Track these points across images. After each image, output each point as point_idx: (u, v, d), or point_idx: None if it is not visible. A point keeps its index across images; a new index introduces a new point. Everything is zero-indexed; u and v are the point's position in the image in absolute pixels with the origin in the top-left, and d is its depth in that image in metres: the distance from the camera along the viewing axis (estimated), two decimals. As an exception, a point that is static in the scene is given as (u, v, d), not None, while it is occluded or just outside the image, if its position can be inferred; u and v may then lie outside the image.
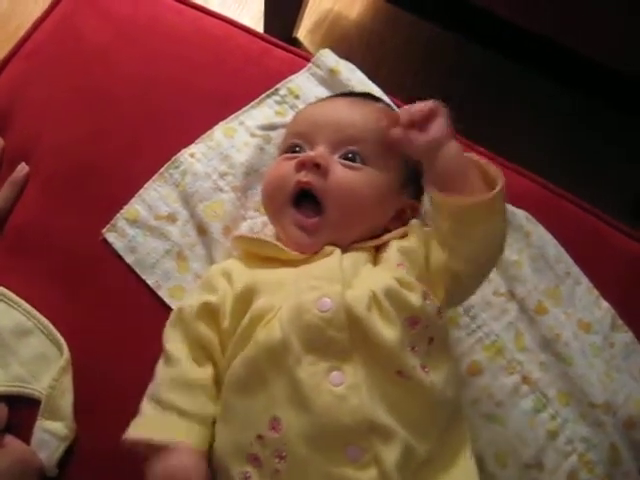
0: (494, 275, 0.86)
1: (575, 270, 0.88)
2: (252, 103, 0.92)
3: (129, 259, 0.83)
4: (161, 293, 0.82)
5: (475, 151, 0.95)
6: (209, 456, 0.66)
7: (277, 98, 0.94)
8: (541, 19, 1.22)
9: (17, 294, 0.80)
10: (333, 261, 0.70)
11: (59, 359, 0.77)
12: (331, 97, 0.88)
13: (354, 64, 0.99)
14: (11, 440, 0.72)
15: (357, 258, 0.72)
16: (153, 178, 0.86)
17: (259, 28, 1.61)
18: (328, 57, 0.97)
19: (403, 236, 0.75)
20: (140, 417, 0.66)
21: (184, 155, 0.87)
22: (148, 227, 0.84)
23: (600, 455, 0.78)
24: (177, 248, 0.84)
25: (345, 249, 0.73)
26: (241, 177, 0.86)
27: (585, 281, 0.88)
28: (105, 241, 0.84)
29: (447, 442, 0.66)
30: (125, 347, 0.79)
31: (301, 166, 0.73)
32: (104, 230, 0.84)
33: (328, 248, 0.72)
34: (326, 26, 1.70)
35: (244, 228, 0.85)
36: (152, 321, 0.77)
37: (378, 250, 0.75)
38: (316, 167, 0.72)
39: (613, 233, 0.92)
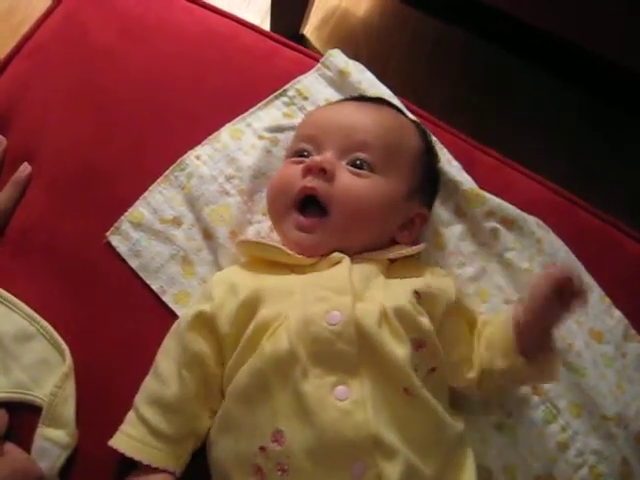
0: (505, 283, 0.85)
1: (587, 278, 0.86)
2: (259, 104, 0.91)
3: (133, 263, 0.81)
4: (166, 298, 0.80)
5: (487, 154, 0.94)
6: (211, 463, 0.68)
7: (285, 99, 0.92)
8: (546, 14, 1.20)
9: (19, 297, 0.78)
10: (342, 271, 0.69)
11: (61, 365, 0.76)
12: (342, 101, 0.87)
13: (361, 61, 0.97)
14: (11, 448, 0.70)
15: (368, 270, 0.71)
16: (158, 181, 0.85)
17: (265, 24, 1.60)
18: (337, 58, 0.95)
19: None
20: (122, 425, 0.69)
21: (190, 157, 0.86)
22: (153, 231, 0.83)
23: (611, 468, 0.77)
24: (182, 252, 0.82)
25: (355, 259, 0.72)
26: (248, 180, 0.85)
27: (597, 289, 0.86)
28: (109, 244, 0.82)
29: (452, 463, 0.66)
30: (129, 353, 0.78)
31: (307, 171, 0.73)
32: (108, 233, 0.82)
33: (337, 255, 0.71)
34: (333, 23, 1.69)
35: (250, 233, 0.83)
36: (156, 327, 0.76)
37: (392, 262, 0.74)
38: (322, 172, 0.72)
39: (626, 240, 0.91)
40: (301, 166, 0.73)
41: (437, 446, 0.65)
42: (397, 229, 0.77)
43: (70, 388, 0.75)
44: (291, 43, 0.99)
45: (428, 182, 0.81)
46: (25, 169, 0.86)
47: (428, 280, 0.73)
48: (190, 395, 0.68)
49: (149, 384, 0.71)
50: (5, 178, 0.86)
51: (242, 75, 0.94)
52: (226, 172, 0.85)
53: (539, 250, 0.86)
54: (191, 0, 0.99)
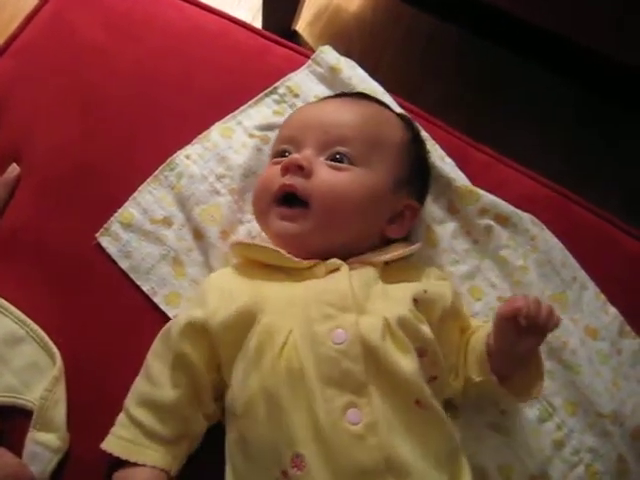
0: (499, 281, 0.84)
1: (582, 275, 0.86)
2: (250, 102, 0.90)
3: (124, 264, 0.80)
4: (157, 300, 0.79)
5: (480, 151, 0.93)
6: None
7: (276, 97, 0.91)
8: (540, 10, 1.20)
9: (8, 300, 0.77)
10: (342, 282, 0.68)
11: (52, 368, 0.75)
12: (322, 99, 0.86)
13: (354, 56, 0.96)
14: (2, 453, 0.69)
15: (366, 276, 0.70)
16: (148, 181, 0.84)
17: (257, 21, 1.59)
18: (328, 54, 0.94)
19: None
20: (113, 428, 0.68)
21: (180, 157, 0.85)
22: (143, 231, 0.82)
23: (607, 466, 0.77)
24: (173, 253, 0.81)
25: (351, 262, 0.71)
26: (238, 179, 0.84)
27: (592, 286, 0.86)
28: (99, 245, 0.81)
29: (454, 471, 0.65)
30: (120, 355, 0.77)
31: (285, 170, 0.73)
32: (98, 234, 0.81)
33: (335, 262, 0.71)
34: (326, 18, 1.67)
35: (242, 232, 0.83)
36: (147, 328, 0.75)
37: (387, 264, 0.74)
38: (300, 169, 0.72)
39: (622, 237, 0.90)
40: (280, 165, 0.73)
41: (450, 456, 0.65)
42: (386, 222, 0.76)
43: (61, 391, 0.74)
44: (282, 40, 0.98)
45: (416, 173, 0.80)
46: (14, 170, 0.85)
47: (425, 285, 0.72)
48: (182, 398, 0.68)
49: (140, 386, 0.70)
50: (-6, 179, 0.85)
51: (233, 73, 0.93)
52: (216, 171, 0.84)
53: (533, 247, 0.85)
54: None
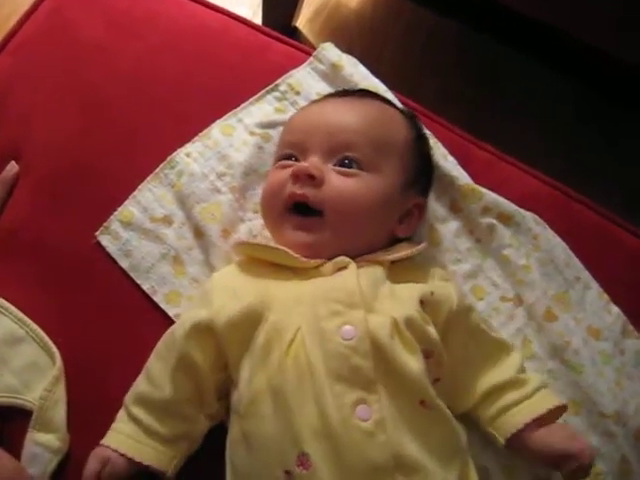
0: (502, 280, 0.84)
1: (585, 274, 0.85)
2: (251, 99, 0.89)
3: (123, 263, 0.80)
4: (157, 298, 0.79)
5: (482, 149, 0.93)
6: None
7: (277, 94, 0.90)
8: (541, 6, 1.19)
9: (7, 300, 0.77)
10: (350, 279, 0.68)
11: (52, 368, 0.74)
12: (323, 98, 0.85)
13: (354, 52, 0.96)
14: (0, 455, 0.69)
15: (374, 275, 0.70)
16: (148, 179, 0.83)
17: (257, 17, 1.58)
18: (330, 51, 0.93)
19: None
20: (114, 424, 0.68)
21: (180, 155, 0.84)
22: (143, 230, 0.81)
23: (610, 466, 0.76)
24: (173, 252, 0.81)
25: (359, 261, 0.71)
26: (239, 177, 0.83)
27: (595, 286, 0.85)
28: (99, 244, 0.81)
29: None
30: (120, 355, 0.77)
31: (296, 178, 0.72)
32: (97, 233, 0.81)
33: (343, 260, 0.70)
34: (326, 14, 1.67)
35: (242, 231, 0.82)
36: (148, 328, 0.75)
37: (393, 263, 0.74)
38: (311, 179, 0.71)
39: (625, 235, 0.90)
40: (289, 170, 0.72)
41: (456, 456, 0.64)
42: (396, 222, 0.76)
43: (60, 391, 0.74)
44: (283, 37, 0.97)
45: (422, 171, 0.80)
46: (12, 168, 0.85)
47: (431, 286, 0.72)
48: (182, 399, 0.67)
49: (140, 386, 0.69)
50: (-9, 178, 0.84)
51: (233, 70, 0.92)
52: (217, 169, 0.84)
53: (536, 246, 0.85)
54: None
